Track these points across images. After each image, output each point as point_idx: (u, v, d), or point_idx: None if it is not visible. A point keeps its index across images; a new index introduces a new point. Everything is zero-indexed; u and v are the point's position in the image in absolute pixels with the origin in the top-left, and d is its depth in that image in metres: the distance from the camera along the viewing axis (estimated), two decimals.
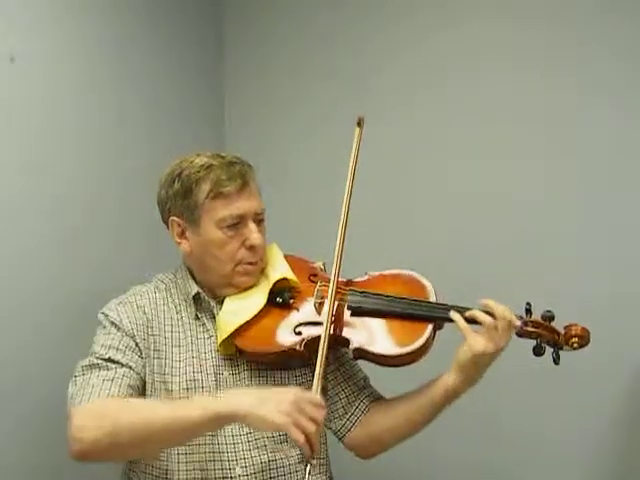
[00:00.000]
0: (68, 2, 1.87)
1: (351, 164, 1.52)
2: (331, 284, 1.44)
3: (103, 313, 1.50)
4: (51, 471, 1.65)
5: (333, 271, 1.46)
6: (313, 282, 1.54)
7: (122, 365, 1.41)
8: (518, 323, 1.41)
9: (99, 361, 1.41)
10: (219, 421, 1.29)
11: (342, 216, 1.50)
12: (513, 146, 2.03)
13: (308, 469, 1.34)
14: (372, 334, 1.46)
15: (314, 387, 1.31)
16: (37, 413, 1.70)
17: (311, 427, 1.23)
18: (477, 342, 1.38)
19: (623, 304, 1.88)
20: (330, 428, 1.58)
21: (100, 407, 1.33)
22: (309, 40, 2.35)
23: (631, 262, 1.89)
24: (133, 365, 1.43)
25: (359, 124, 1.56)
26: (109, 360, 1.41)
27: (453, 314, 1.42)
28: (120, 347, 1.44)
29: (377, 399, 1.58)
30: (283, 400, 1.24)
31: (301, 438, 1.22)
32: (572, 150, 1.96)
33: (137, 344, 1.46)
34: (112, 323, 1.47)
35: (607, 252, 1.91)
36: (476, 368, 1.40)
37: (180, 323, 1.51)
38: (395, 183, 2.18)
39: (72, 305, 1.81)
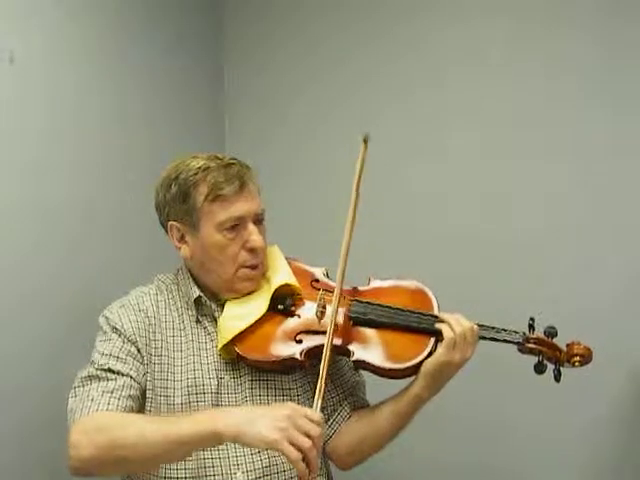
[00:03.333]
0: (68, 2, 1.87)
1: (355, 182, 1.46)
2: (333, 307, 1.40)
3: (105, 316, 1.48)
4: (51, 471, 1.65)
5: (335, 293, 1.41)
6: (315, 288, 1.52)
7: (122, 375, 1.39)
8: (476, 329, 1.40)
9: (98, 372, 1.39)
10: (213, 438, 1.24)
11: (346, 232, 1.44)
12: (513, 147, 2.03)
13: None
14: (374, 346, 1.44)
15: (315, 404, 1.27)
16: (37, 413, 1.70)
17: (306, 442, 1.17)
18: (444, 352, 1.38)
19: (623, 305, 1.88)
20: None
21: (96, 423, 1.31)
22: (309, 40, 2.35)
23: (631, 263, 1.89)
24: (134, 374, 1.41)
25: (365, 141, 1.48)
26: (109, 370, 1.39)
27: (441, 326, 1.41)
28: (120, 355, 1.42)
29: (360, 407, 1.56)
30: (277, 416, 1.19)
31: (293, 454, 1.16)
32: (572, 150, 1.96)
33: (139, 350, 1.44)
34: (113, 328, 1.45)
35: (607, 253, 1.91)
36: (441, 377, 1.40)
37: (181, 327, 1.50)
38: (395, 184, 2.18)
39: (73, 306, 1.81)
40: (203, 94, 2.39)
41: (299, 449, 1.17)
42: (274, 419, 1.19)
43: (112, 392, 1.36)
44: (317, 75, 2.32)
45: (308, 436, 1.19)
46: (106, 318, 1.48)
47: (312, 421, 1.21)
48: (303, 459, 1.18)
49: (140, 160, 2.06)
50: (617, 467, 1.92)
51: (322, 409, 1.50)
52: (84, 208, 1.88)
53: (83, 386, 1.39)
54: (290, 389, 1.49)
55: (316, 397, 1.28)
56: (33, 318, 1.72)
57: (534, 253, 1.99)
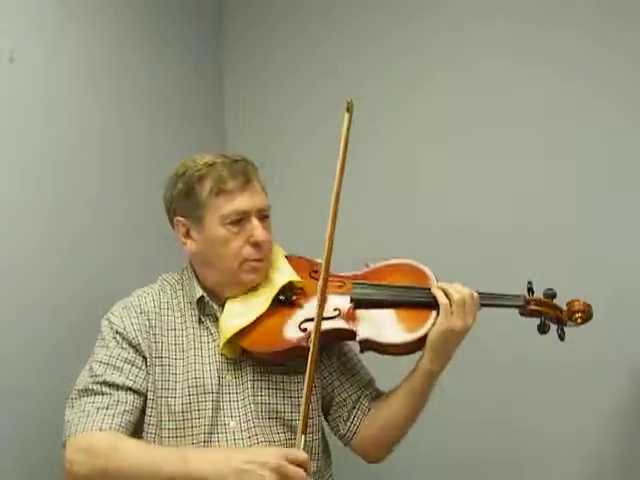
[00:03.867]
0: (68, 2, 1.87)
1: (341, 152, 1.46)
2: (321, 279, 1.40)
3: (108, 319, 1.49)
4: (51, 471, 1.65)
5: (324, 257, 1.42)
6: (315, 278, 1.53)
7: (118, 388, 1.40)
8: (476, 295, 1.43)
9: (95, 386, 1.40)
10: None
11: (332, 203, 1.45)
12: (514, 145, 2.03)
13: None
14: (378, 325, 1.46)
15: (298, 441, 1.30)
16: (37, 413, 1.70)
17: None
18: (444, 319, 1.40)
19: (622, 303, 1.88)
20: (337, 433, 1.57)
21: (92, 444, 1.33)
22: (309, 40, 2.35)
23: (631, 261, 1.89)
24: (130, 383, 1.41)
25: (348, 109, 1.47)
26: (104, 383, 1.40)
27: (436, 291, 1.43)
28: (117, 364, 1.42)
29: (377, 398, 1.57)
30: (264, 469, 1.24)
31: None
32: (572, 149, 1.97)
33: (140, 352, 1.45)
34: (116, 333, 1.46)
35: (607, 251, 1.92)
36: (445, 346, 1.41)
37: (183, 327, 1.50)
38: (394, 180, 2.18)
39: (73, 306, 1.80)
40: (203, 94, 2.39)
41: None
42: (261, 472, 1.23)
43: (107, 408, 1.37)
44: (317, 75, 2.32)
45: None
46: (109, 322, 1.48)
47: (298, 463, 1.25)
48: None
49: (140, 160, 2.06)
50: (618, 466, 1.92)
51: (342, 407, 1.54)
52: (84, 208, 1.88)
53: (79, 398, 1.40)
54: (292, 390, 1.49)
55: (298, 434, 1.31)
56: (33, 318, 1.72)
57: (535, 252, 1.99)
